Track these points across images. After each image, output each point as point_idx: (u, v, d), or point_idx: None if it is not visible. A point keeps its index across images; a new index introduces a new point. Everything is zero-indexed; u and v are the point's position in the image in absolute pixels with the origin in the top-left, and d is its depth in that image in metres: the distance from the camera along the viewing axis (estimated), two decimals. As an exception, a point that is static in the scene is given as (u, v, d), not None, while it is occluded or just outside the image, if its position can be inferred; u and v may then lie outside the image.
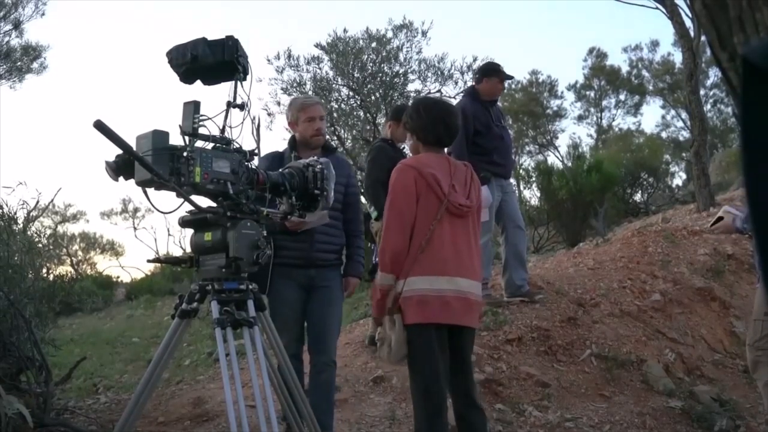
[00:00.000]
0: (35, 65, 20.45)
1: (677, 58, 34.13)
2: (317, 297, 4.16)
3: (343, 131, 16.08)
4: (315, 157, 3.24)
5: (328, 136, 4.32)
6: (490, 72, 6.59)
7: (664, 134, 36.13)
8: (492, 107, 6.55)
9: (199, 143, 2.75)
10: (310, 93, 15.41)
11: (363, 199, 6.06)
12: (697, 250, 8.62)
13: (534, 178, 17.46)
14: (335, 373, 4.25)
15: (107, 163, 2.59)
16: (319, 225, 4.01)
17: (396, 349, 3.47)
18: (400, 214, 3.43)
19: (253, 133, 2.96)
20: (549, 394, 5.34)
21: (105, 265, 41.16)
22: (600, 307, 6.77)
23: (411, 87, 15.89)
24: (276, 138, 18.00)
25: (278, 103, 15.83)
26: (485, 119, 6.41)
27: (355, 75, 15.33)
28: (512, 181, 6.85)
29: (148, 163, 2.52)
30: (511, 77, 6.71)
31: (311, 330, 4.19)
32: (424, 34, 15.67)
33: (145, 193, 2.65)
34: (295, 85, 15.33)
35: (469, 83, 16.57)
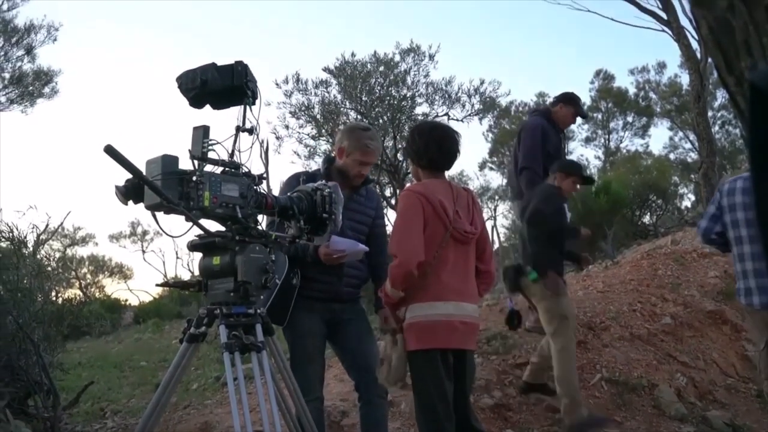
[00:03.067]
0: (47, 90, 20.68)
1: (684, 79, 34.12)
2: (348, 332, 4.02)
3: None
4: (323, 181, 3.24)
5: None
6: (570, 101, 6.59)
7: (672, 156, 36.13)
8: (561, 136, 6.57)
9: (209, 167, 2.75)
10: (318, 116, 15.50)
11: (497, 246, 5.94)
12: (708, 272, 8.58)
13: (542, 201, 17.40)
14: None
15: (117, 187, 2.60)
16: (356, 258, 3.99)
17: (396, 367, 3.48)
18: (412, 227, 3.43)
19: (261, 156, 2.97)
20: (559, 420, 5.30)
21: (113, 288, 41.21)
22: (610, 330, 6.73)
23: (419, 110, 16.01)
24: (284, 161, 18.11)
25: (286, 127, 15.95)
26: (557, 144, 6.41)
27: (363, 98, 15.44)
28: None
29: (157, 187, 2.52)
30: (586, 116, 6.72)
31: (353, 365, 4.03)
32: (431, 57, 15.79)
33: (155, 216, 2.65)
34: (303, 108, 15.45)
35: (477, 106, 16.65)
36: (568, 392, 4.99)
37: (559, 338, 5.07)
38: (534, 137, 6.30)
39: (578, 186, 5.49)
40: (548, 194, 5.28)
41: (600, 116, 38.51)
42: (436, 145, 3.62)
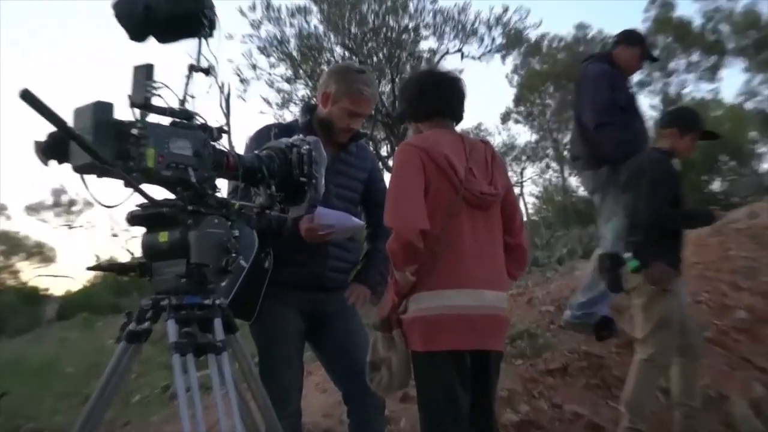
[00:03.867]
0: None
1: (764, 7, 34.03)
2: (334, 329, 4.04)
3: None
4: (300, 135, 3.23)
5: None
6: (634, 40, 6.60)
7: (748, 105, 36.09)
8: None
9: (153, 118, 2.75)
10: (295, 53, 15.42)
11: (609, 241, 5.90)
12: (794, 254, 8.60)
13: (583, 163, 17.42)
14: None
15: (36, 143, 2.59)
16: (347, 235, 3.98)
17: (399, 373, 3.48)
18: (409, 189, 3.41)
19: (221, 104, 2.97)
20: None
21: (31, 273, 41.21)
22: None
23: (423, 45, 15.95)
24: (251, 110, 18.09)
25: (254, 66, 15.87)
26: (629, 95, 6.39)
27: (352, 30, 15.35)
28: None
29: (87, 143, 2.51)
30: (656, 58, 6.68)
31: (340, 371, 4.08)
32: (440, -24, 15.66)
33: (84, 181, 2.65)
34: (275, 43, 15.36)
35: (498, 40, 16.57)
36: (633, 417, 4.97)
37: (648, 346, 5.00)
38: (600, 88, 6.22)
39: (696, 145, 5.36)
40: (663, 172, 5.14)
41: (656, 54, 38.41)
42: (434, 89, 3.64)
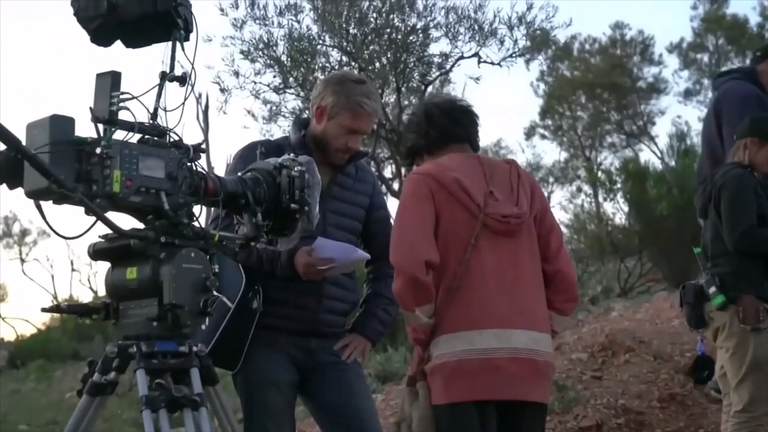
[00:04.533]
0: None
1: (832, 3, 34.14)
2: (330, 380, 4.00)
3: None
4: (291, 155, 3.23)
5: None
6: None
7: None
8: None
9: (119, 134, 2.76)
10: (284, 57, 15.51)
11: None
12: None
13: (619, 184, 17.41)
14: None
15: (-17, 164, 2.60)
16: (349, 270, 3.99)
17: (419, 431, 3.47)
18: (412, 222, 3.46)
19: (198, 118, 2.98)
20: None
21: (-23, 315, 41.24)
22: (720, 378, 6.74)
23: (434, 48, 15.91)
24: (232, 125, 18.17)
25: (236, 74, 15.85)
26: None
27: (351, 31, 15.39)
28: None
29: (43, 163, 2.52)
30: None
31: (338, 429, 4.03)
32: (453, -31, 15.74)
33: (39, 207, 2.66)
34: (261, 46, 15.40)
35: (521, 42, 16.64)
36: None
37: (742, 395, 4.95)
38: (747, 111, 6.16)
39: None
40: (744, 188, 5.10)
41: (706, 58, 38.50)
42: (445, 114, 3.71)
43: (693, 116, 52.12)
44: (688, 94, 38.91)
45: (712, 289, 5.01)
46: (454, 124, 3.69)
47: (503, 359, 3.37)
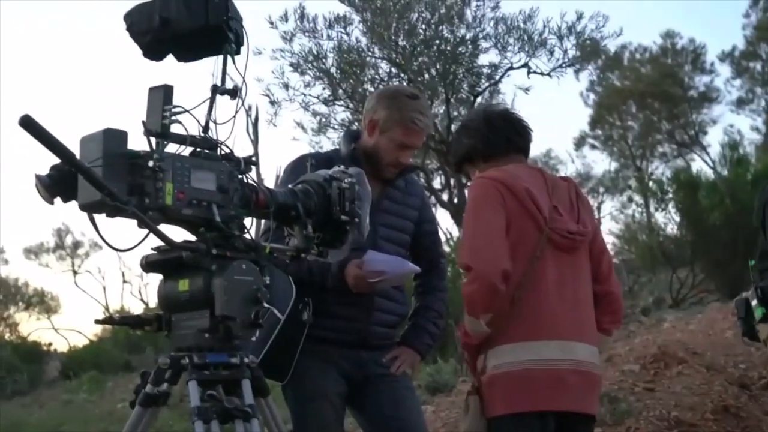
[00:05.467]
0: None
1: None
2: (380, 393, 3.98)
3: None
4: (341, 167, 3.24)
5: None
6: None
7: None
8: None
9: (172, 147, 2.78)
10: (333, 70, 15.54)
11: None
12: None
13: (671, 194, 17.29)
14: None
15: (38, 177, 2.62)
16: (400, 283, 3.99)
17: None
18: (489, 223, 3.40)
19: (249, 130, 2.99)
20: None
21: (31, 326, 41.64)
22: (775, 390, 6.67)
23: (483, 59, 15.89)
24: (282, 137, 18.20)
25: (286, 86, 15.93)
26: None
27: (400, 43, 15.39)
28: None
29: (96, 177, 2.54)
30: None
31: None
32: (502, -20, 15.67)
33: (92, 220, 2.68)
34: (310, 59, 15.44)
35: (571, 52, 16.54)
36: None
37: None
38: None
39: None
40: None
41: (759, 66, 38.09)
42: (504, 120, 3.68)
43: (745, 125, 51.74)
44: (740, 103, 38.55)
45: (754, 302, 4.97)
46: (514, 132, 3.67)
47: (567, 371, 3.35)
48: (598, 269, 3.66)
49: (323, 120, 16.72)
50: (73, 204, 2.64)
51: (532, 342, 3.35)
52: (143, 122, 2.73)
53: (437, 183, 18.43)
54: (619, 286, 3.81)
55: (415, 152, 4.09)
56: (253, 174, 3.00)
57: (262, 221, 3.29)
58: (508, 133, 3.65)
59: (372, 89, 15.53)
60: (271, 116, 16.20)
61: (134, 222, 2.65)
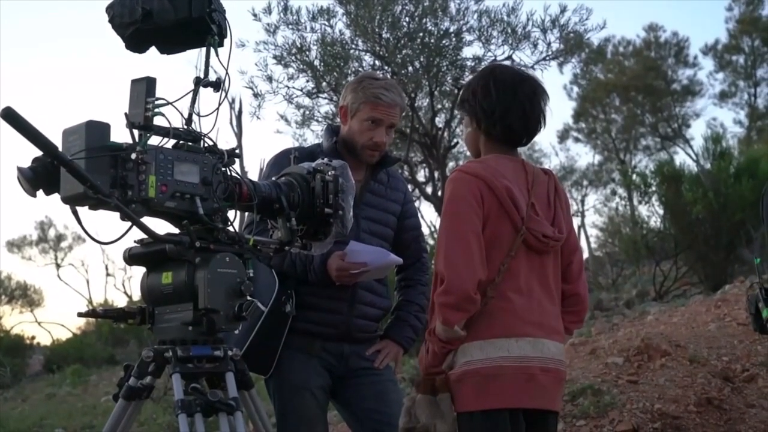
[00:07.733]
0: None
1: None
2: (363, 386, 4.00)
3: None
4: (325, 159, 3.23)
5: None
6: None
7: None
8: None
9: (154, 140, 2.77)
10: (317, 62, 15.53)
11: None
12: None
13: (654, 187, 17.30)
14: None
15: (20, 170, 2.61)
16: (382, 275, 3.98)
17: None
18: (465, 231, 3.34)
19: (232, 123, 2.99)
20: None
21: (13, 320, 41.49)
22: (757, 382, 6.70)
23: (467, 52, 15.87)
24: (266, 130, 18.19)
25: (269, 79, 15.90)
26: None
27: (384, 35, 15.38)
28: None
29: (79, 169, 2.53)
30: None
31: None
32: (486, -28, 15.70)
33: (75, 213, 2.67)
34: (294, 51, 15.41)
35: (555, 45, 16.57)
36: None
37: None
38: None
39: None
40: None
41: (741, 60, 38.22)
42: (522, 108, 3.51)
43: (728, 118, 51.78)
44: (723, 96, 38.73)
45: (761, 303, 4.98)
46: (526, 125, 3.49)
47: (536, 368, 3.34)
48: (568, 269, 3.63)
49: (307, 113, 16.69)
50: (56, 197, 2.63)
51: (502, 339, 3.34)
52: (126, 114, 2.73)
53: (421, 176, 18.43)
54: (586, 288, 3.77)
55: (391, 132, 4.04)
56: (236, 166, 3.00)
57: (246, 214, 3.28)
58: (517, 126, 3.49)
59: (356, 82, 15.50)
60: (255, 109, 16.14)
61: (117, 215, 2.65)
